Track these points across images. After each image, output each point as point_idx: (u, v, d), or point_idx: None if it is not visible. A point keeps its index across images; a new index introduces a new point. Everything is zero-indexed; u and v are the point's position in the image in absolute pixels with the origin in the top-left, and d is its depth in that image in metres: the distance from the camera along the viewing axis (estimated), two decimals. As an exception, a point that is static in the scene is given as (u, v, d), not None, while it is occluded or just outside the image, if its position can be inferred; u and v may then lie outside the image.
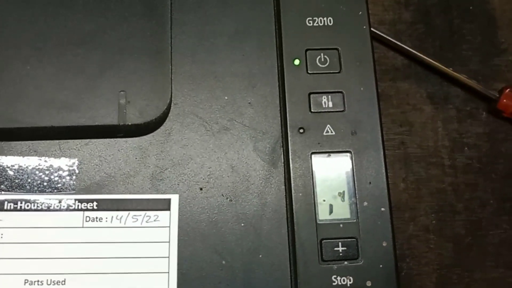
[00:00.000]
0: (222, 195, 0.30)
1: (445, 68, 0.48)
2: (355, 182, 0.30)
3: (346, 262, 0.29)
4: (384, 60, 0.49)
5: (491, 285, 0.45)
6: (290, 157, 0.30)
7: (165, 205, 0.29)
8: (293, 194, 0.30)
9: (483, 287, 0.45)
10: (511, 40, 0.50)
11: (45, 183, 0.29)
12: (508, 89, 0.47)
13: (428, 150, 0.48)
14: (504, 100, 0.47)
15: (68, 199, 0.29)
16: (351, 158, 0.30)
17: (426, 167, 0.48)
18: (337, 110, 0.31)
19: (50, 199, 0.29)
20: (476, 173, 0.47)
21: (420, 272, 0.45)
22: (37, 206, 0.29)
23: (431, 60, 0.48)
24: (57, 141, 0.30)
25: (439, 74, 0.49)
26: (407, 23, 0.50)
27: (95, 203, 0.29)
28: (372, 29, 0.48)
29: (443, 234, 0.46)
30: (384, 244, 0.29)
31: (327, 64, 0.32)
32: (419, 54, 0.48)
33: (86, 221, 0.29)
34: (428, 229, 0.46)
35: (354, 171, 0.30)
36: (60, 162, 0.30)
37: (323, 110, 0.31)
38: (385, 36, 0.49)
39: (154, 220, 0.29)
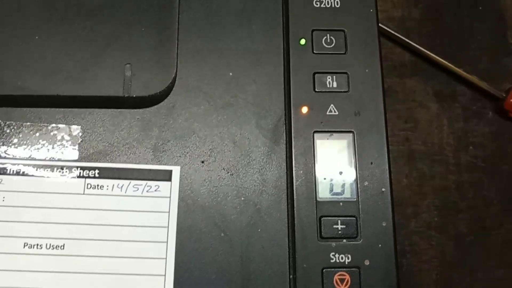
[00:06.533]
0: (223, 169, 0.30)
1: (452, 66, 0.48)
2: (357, 162, 0.30)
3: (345, 240, 0.29)
4: (391, 56, 0.49)
5: (493, 285, 0.45)
6: (292, 135, 0.30)
7: (166, 176, 0.29)
8: (294, 171, 0.30)
9: (484, 287, 0.45)
10: (521, 40, 0.50)
11: (48, 150, 0.30)
12: (515, 89, 0.47)
13: (432, 148, 0.48)
14: (511, 100, 0.47)
15: (71, 166, 0.29)
16: (354, 138, 0.30)
17: (430, 164, 0.47)
18: (341, 90, 0.31)
19: (52, 165, 0.29)
20: (480, 172, 0.47)
21: (421, 269, 0.45)
22: (40, 172, 0.29)
23: (438, 58, 0.48)
24: (62, 109, 0.30)
25: (447, 72, 0.49)
26: (416, 20, 0.50)
27: (96, 171, 0.29)
28: (380, 25, 0.48)
29: (445, 231, 0.46)
30: (384, 224, 0.29)
31: (333, 45, 0.32)
32: (426, 51, 0.49)
33: (87, 188, 0.29)
34: (430, 226, 0.46)
35: (356, 151, 0.30)
36: (64, 130, 0.30)
37: (327, 90, 0.31)
38: (393, 32, 0.49)
39: (155, 190, 0.29)
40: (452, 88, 0.49)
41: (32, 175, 0.29)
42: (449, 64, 0.48)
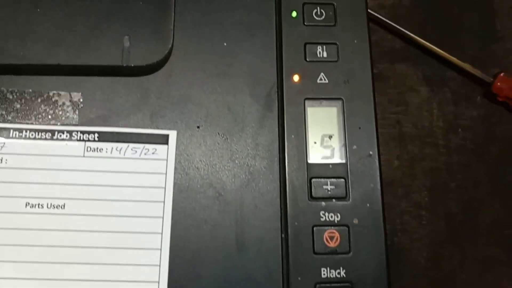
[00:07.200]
0: (218, 133, 0.31)
1: (442, 52, 0.50)
2: (346, 127, 0.31)
3: (334, 200, 0.30)
4: (382, 42, 0.51)
5: (482, 263, 0.46)
6: (284, 102, 0.32)
7: (163, 140, 0.31)
8: (285, 136, 0.31)
9: (474, 265, 0.46)
10: (509, 28, 0.51)
11: (49, 116, 0.31)
12: (502, 73, 0.48)
13: (423, 130, 0.49)
14: (498, 84, 0.48)
15: (71, 131, 0.30)
16: (343, 105, 0.32)
17: (420, 146, 0.48)
18: (331, 60, 0.32)
19: (53, 129, 0.30)
20: (469, 154, 0.48)
21: (412, 247, 0.46)
22: (41, 136, 0.30)
23: (428, 44, 0.50)
24: (63, 77, 0.31)
25: (437, 58, 0.50)
26: (407, 8, 0.52)
27: (96, 135, 0.30)
28: (371, 11, 0.50)
29: (435, 211, 0.47)
30: (372, 185, 0.30)
31: (323, 17, 0.33)
32: (417, 38, 0.50)
33: (87, 151, 0.30)
34: (420, 205, 0.47)
35: (345, 116, 0.32)
36: (65, 96, 0.31)
37: (317, 60, 0.32)
38: (384, 19, 0.50)
39: (152, 153, 0.30)
40: (442, 73, 0.50)
41: (34, 139, 0.30)
42: (440, 50, 0.50)
